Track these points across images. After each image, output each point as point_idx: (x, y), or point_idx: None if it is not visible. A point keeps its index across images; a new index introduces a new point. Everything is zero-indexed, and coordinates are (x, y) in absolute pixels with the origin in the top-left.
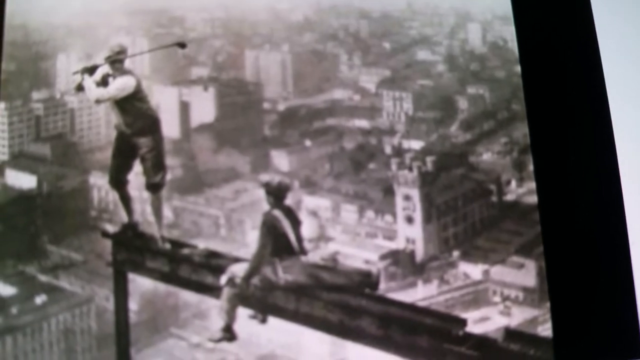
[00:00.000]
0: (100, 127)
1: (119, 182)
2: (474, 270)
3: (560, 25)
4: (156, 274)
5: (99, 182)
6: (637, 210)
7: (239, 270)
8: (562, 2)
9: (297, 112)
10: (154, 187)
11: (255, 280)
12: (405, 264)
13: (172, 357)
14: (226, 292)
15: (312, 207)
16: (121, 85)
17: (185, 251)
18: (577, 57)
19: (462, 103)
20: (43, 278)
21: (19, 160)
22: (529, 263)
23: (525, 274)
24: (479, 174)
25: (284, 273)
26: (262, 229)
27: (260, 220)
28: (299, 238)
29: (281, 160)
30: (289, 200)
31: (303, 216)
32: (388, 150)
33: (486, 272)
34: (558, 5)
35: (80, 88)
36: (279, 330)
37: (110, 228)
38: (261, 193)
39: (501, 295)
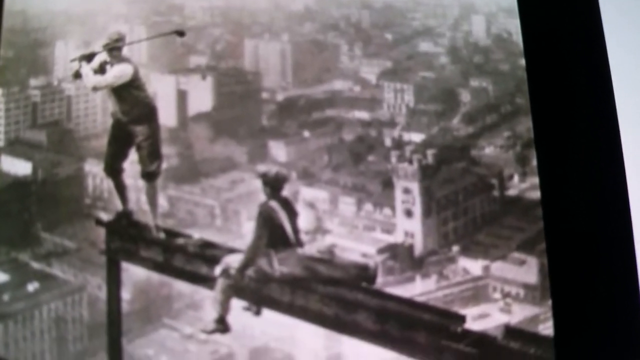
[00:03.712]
0: (97, 114)
1: (114, 170)
2: (473, 266)
3: (565, 18)
4: (150, 264)
5: (94, 170)
6: None
7: (233, 261)
8: None
9: (296, 103)
10: (149, 176)
11: (250, 272)
12: (404, 258)
13: (163, 348)
14: (220, 283)
15: (309, 198)
16: (118, 73)
17: (180, 241)
18: (583, 51)
19: (465, 96)
20: (36, 265)
21: (15, 146)
22: (530, 260)
23: (526, 270)
24: (480, 168)
25: (279, 265)
26: (258, 220)
27: (256, 211)
28: (296, 230)
29: (279, 151)
30: (286, 192)
31: (300, 208)
32: (388, 142)
33: (486, 268)
34: None
35: (77, 75)
36: (273, 323)
37: (105, 216)
38: (258, 184)
39: (501, 292)
